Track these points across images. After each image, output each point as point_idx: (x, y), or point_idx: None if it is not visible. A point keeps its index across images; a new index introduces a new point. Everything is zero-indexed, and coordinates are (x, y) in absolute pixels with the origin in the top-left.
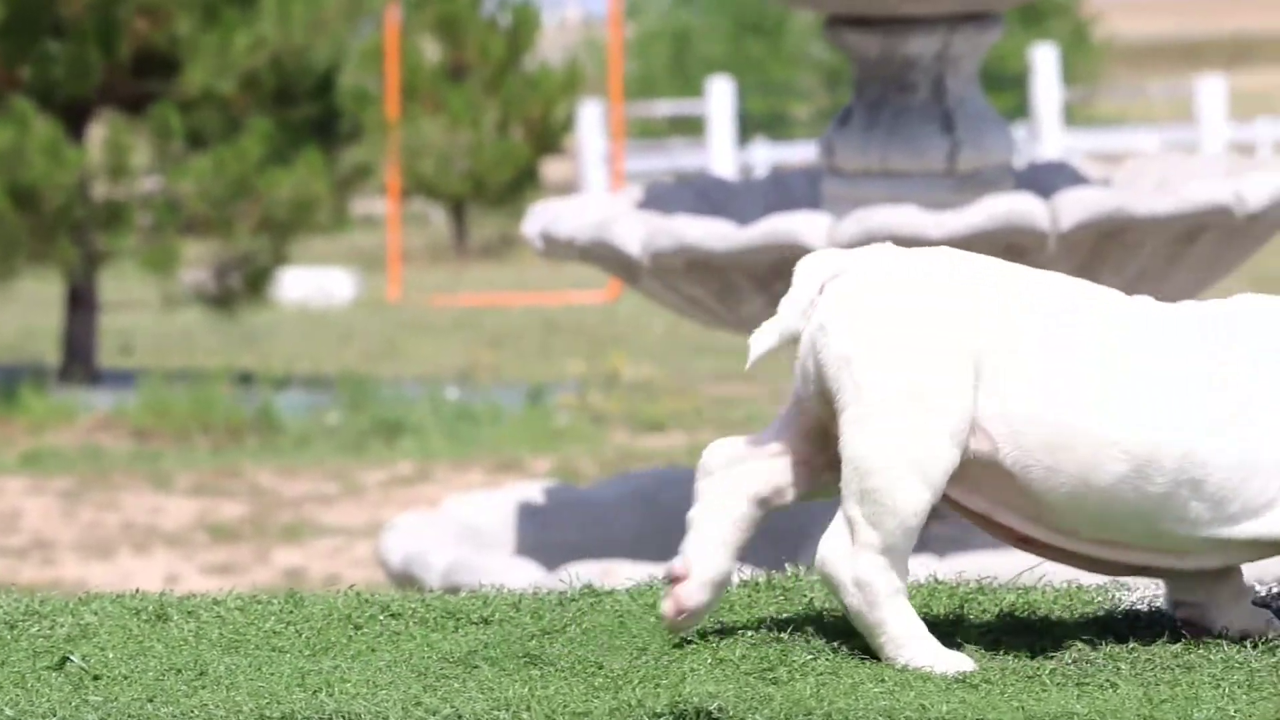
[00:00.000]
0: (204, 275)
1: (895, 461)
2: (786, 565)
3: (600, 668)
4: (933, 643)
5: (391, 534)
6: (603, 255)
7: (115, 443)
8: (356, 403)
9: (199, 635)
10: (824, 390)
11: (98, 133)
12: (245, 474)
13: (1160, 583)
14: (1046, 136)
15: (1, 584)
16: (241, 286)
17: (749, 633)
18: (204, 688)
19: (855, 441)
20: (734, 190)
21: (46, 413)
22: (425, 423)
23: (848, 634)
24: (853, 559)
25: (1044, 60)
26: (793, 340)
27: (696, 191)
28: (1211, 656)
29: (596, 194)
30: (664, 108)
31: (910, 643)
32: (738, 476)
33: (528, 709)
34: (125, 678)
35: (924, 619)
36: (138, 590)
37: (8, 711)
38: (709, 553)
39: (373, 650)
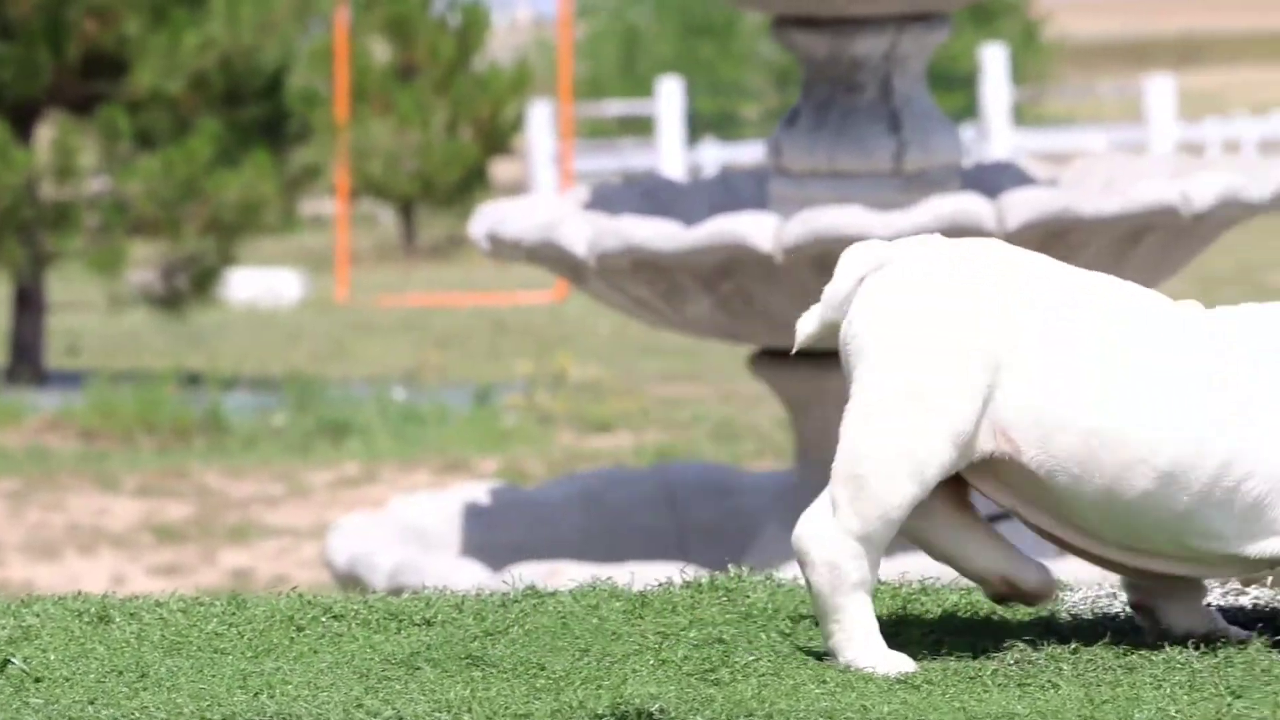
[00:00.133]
0: (151, 276)
1: (889, 453)
2: (730, 566)
3: (542, 669)
4: (880, 644)
5: (337, 535)
6: (549, 256)
7: (62, 443)
8: (303, 403)
9: (141, 637)
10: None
11: (45, 134)
12: (192, 475)
13: (1103, 581)
14: (996, 136)
15: None
16: (189, 287)
17: (691, 634)
18: (145, 690)
19: (854, 429)
20: (681, 191)
21: None
22: (372, 423)
23: (790, 635)
24: (829, 540)
25: (993, 60)
26: (833, 329)
27: (643, 192)
28: (1153, 657)
29: (543, 195)
30: (614, 108)
31: (859, 639)
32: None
33: (469, 710)
34: (67, 680)
35: None
36: (80, 592)
37: None
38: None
39: (315, 652)
